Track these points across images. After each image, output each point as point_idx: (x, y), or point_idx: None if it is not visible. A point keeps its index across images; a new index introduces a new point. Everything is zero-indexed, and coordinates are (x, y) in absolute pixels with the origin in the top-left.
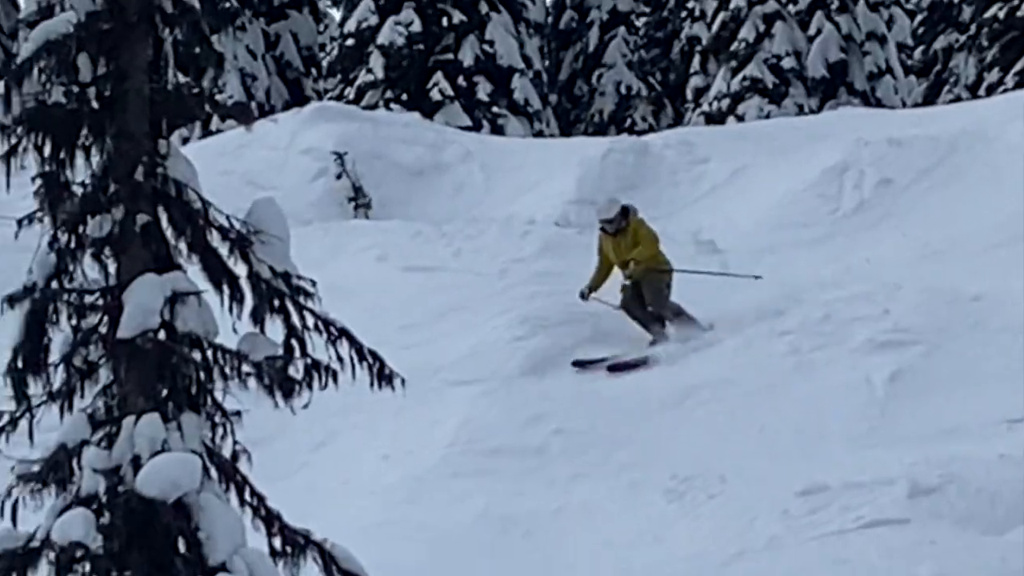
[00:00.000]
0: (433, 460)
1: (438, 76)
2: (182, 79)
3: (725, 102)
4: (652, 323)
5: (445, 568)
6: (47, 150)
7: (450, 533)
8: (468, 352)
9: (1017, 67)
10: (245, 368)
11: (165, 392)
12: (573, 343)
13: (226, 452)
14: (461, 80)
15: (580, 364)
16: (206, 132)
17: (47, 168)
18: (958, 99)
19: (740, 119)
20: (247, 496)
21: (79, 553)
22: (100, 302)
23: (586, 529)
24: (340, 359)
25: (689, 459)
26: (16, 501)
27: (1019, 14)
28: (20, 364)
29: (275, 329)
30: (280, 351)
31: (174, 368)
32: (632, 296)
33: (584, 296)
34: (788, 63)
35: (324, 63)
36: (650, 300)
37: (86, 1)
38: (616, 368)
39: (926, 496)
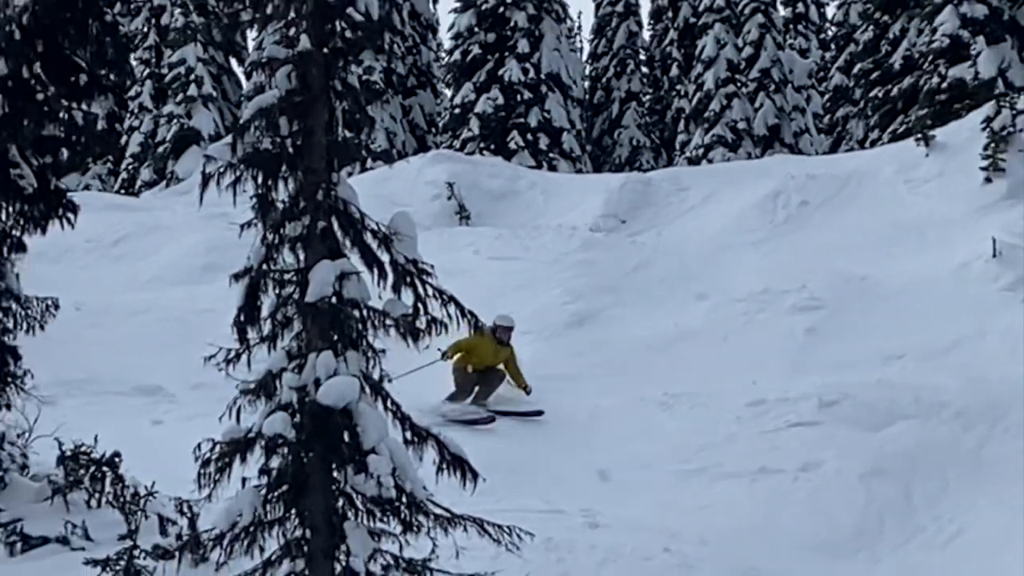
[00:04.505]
0: None
1: (514, 133)
2: (348, 134)
3: (700, 151)
4: (459, 394)
5: (517, 451)
6: (259, 179)
7: (521, 429)
8: (532, 312)
9: (890, 129)
10: (387, 322)
11: (336, 337)
12: (601, 307)
13: (375, 376)
14: (528, 136)
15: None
16: (363, 168)
17: (260, 191)
18: (851, 150)
19: (710, 162)
20: (389, 404)
21: (280, 441)
22: (294, 278)
23: (608, 427)
24: (450, 316)
25: (676, 382)
26: (239, 407)
27: (892, 95)
28: (242, 318)
29: (407, 296)
30: (410, 311)
31: (342, 322)
32: (470, 376)
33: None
34: (742, 125)
35: (440, 124)
36: (484, 384)
37: (285, 82)
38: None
39: (830, 407)
